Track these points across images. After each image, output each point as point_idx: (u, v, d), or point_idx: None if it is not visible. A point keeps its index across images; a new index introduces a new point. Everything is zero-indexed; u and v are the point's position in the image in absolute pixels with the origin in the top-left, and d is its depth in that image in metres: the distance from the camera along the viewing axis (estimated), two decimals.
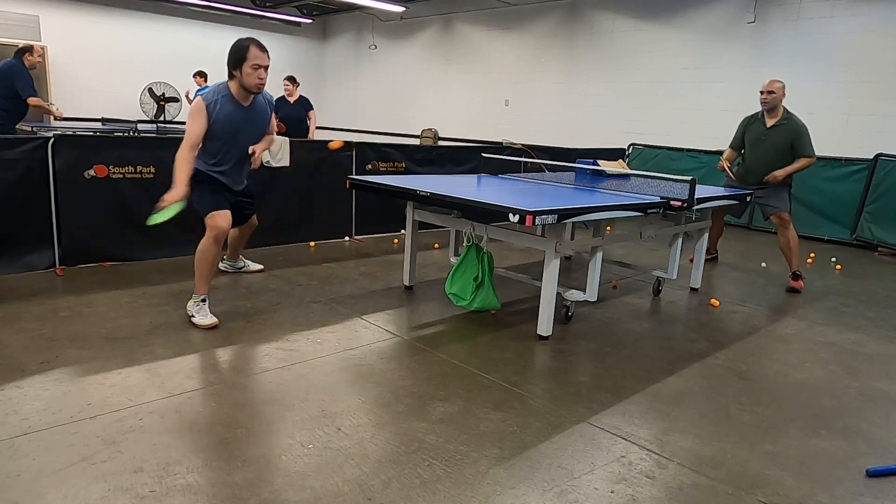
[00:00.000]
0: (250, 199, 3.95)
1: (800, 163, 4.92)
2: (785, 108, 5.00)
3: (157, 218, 3.15)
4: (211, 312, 3.46)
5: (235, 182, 3.71)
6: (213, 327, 3.41)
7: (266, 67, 3.43)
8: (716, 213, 5.48)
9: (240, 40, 3.45)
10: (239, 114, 3.51)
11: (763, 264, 5.83)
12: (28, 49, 6.26)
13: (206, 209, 3.50)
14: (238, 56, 3.38)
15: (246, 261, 4.59)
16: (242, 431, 2.35)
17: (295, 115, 8.18)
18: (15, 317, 3.39)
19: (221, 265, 4.47)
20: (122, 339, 3.17)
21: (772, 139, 5.00)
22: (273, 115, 3.80)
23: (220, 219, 3.47)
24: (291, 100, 8.24)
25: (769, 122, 5.03)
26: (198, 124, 3.40)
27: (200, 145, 3.47)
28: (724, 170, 5.31)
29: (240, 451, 2.21)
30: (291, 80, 8.31)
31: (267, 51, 3.45)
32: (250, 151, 3.59)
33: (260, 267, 4.62)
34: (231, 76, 3.47)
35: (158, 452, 2.17)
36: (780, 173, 4.90)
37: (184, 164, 3.34)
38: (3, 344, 3.03)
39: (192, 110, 3.44)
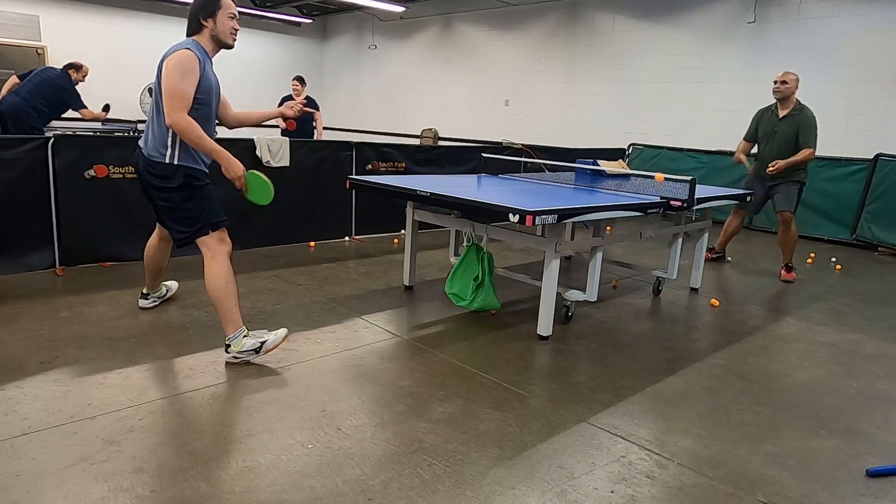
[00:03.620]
0: None
1: (800, 155, 4.98)
2: (798, 100, 5.09)
3: (260, 195, 2.95)
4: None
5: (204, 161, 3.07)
6: (286, 338, 3.05)
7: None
8: (736, 213, 5.53)
9: None
10: (214, 73, 3.00)
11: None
12: (76, 66, 6.66)
13: (213, 223, 2.95)
14: (213, 3, 2.87)
15: (166, 283, 3.80)
16: (242, 431, 2.35)
17: (302, 115, 8.09)
18: (15, 317, 3.39)
19: (145, 303, 3.61)
20: (122, 339, 3.17)
21: (782, 130, 5.08)
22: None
23: (227, 234, 3.02)
24: (299, 100, 8.16)
25: (781, 113, 5.13)
26: (192, 83, 2.78)
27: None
28: (741, 162, 5.36)
29: (240, 451, 2.21)
30: (301, 80, 8.10)
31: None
32: None
33: (176, 284, 3.91)
34: (200, 29, 2.90)
35: (158, 452, 2.17)
36: (781, 164, 4.97)
37: (205, 134, 2.80)
38: (3, 344, 3.02)
39: (184, 65, 2.76)
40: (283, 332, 3.04)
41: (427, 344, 3.35)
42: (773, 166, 4.98)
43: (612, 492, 2.10)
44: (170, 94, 2.75)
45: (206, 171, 3.05)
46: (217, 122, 3.18)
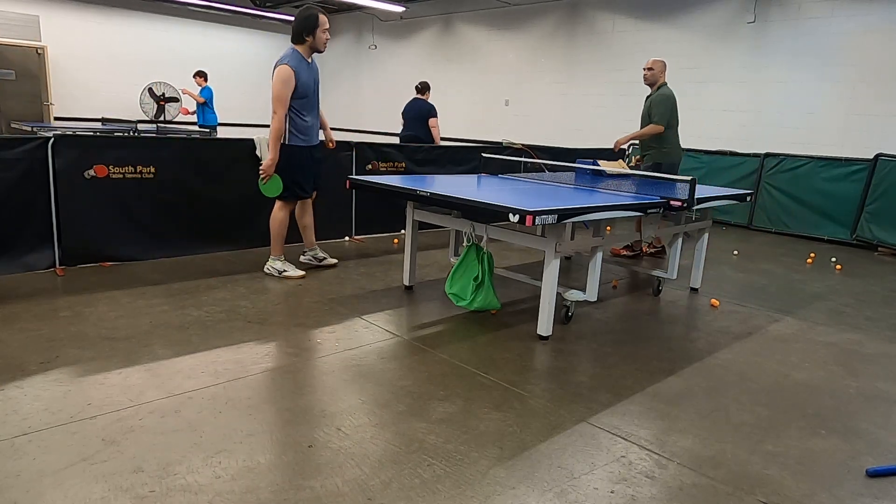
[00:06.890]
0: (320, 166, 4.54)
1: (643, 129, 5.35)
2: (665, 84, 5.39)
3: (268, 190, 4.19)
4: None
5: (315, 135, 4.32)
6: (301, 277, 4.35)
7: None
8: None
9: (308, 9, 4.03)
10: (310, 70, 4.15)
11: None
12: None
13: (296, 196, 4.29)
14: (311, 23, 4.01)
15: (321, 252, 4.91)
16: (242, 431, 2.35)
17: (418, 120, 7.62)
18: (15, 317, 3.39)
19: (303, 258, 4.79)
20: (122, 339, 3.17)
21: (643, 111, 5.46)
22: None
23: (290, 206, 4.38)
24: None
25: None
26: (288, 89, 3.97)
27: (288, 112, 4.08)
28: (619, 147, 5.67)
29: (240, 451, 2.21)
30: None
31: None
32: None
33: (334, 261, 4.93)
34: (301, 41, 4.06)
35: (158, 452, 2.17)
36: (621, 139, 5.48)
37: (280, 134, 4.04)
38: (3, 344, 3.03)
39: (283, 77, 3.93)
40: (300, 273, 4.41)
41: (427, 344, 3.35)
42: (615, 143, 5.46)
43: (612, 492, 2.10)
44: (273, 99, 4.01)
45: (303, 147, 4.23)
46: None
